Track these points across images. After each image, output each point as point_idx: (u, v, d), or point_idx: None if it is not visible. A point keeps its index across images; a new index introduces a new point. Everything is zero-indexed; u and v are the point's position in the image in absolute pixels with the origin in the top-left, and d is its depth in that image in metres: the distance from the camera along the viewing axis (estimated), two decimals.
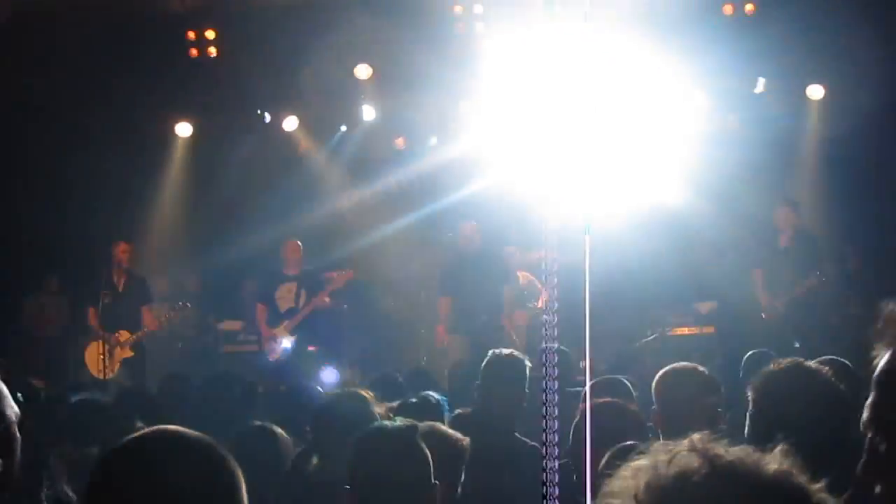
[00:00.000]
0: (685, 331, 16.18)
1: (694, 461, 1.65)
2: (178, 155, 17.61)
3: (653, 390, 5.88)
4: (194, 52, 15.25)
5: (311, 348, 15.91)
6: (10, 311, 16.87)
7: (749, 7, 14.32)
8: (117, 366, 13.89)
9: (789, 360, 4.61)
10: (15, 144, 15.65)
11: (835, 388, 4.30)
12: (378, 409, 5.59)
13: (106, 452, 2.43)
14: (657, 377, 5.85)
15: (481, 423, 6.41)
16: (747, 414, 4.34)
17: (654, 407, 5.74)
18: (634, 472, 1.69)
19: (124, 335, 14.00)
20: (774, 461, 1.67)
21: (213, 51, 15.17)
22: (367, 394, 5.89)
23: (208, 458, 2.28)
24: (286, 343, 14.28)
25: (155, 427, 2.38)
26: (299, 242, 14.85)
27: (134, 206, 17.43)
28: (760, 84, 15.99)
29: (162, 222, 17.48)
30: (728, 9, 14.43)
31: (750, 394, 4.38)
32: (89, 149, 17.63)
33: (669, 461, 1.67)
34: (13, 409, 3.08)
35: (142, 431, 2.39)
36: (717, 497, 1.62)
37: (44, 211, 16.45)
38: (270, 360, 14.20)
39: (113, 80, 16.55)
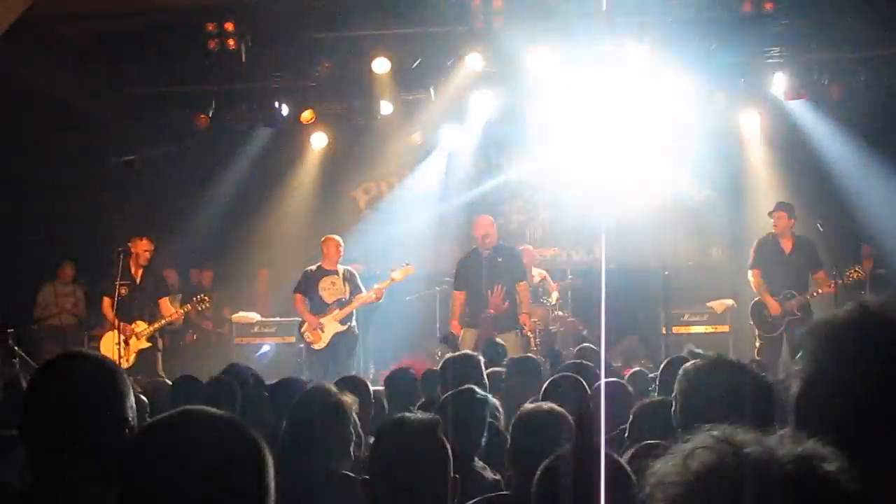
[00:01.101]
0: (700, 329, 16.18)
1: (722, 454, 1.65)
2: (194, 147, 17.61)
3: (676, 383, 5.85)
4: (213, 43, 15.23)
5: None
6: (26, 300, 16.92)
7: (768, 5, 14.26)
8: (133, 356, 13.91)
9: (713, 353, 4.94)
10: (32, 133, 15.68)
11: (758, 379, 4.44)
12: (347, 399, 5.61)
13: (136, 432, 2.44)
14: (681, 370, 5.81)
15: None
16: (674, 407, 4.55)
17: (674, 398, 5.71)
18: (673, 467, 1.68)
19: (140, 325, 14.03)
20: (801, 448, 1.66)
21: (231, 43, 15.14)
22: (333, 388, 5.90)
23: (237, 438, 2.29)
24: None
25: (184, 408, 2.39)
26: (339, 238, 15.00)
27: (149, 199, 17.46)
28: (778, 82, 15.93)
29: (176, 215, 17.48)
30: (747, 6, 14.38)
31: (676, 387, 4.58)
32: (102, 139, 17.71)
33: (696, 454, 1.66)
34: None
35: (170, 413, 2.40)
36: (748, 488, 1.61)
37: (61, 200, 16.50)
38: (314, 347, 14.46)
39: (130, 73, 16.62)
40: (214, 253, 18.03)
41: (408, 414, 4.57)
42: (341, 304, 14.52)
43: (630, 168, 18.69)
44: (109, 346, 13.84)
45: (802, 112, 16.83)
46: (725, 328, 16.19)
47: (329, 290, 14.59)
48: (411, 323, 17.19)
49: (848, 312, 2.12)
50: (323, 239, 15.04)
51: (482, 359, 8.37)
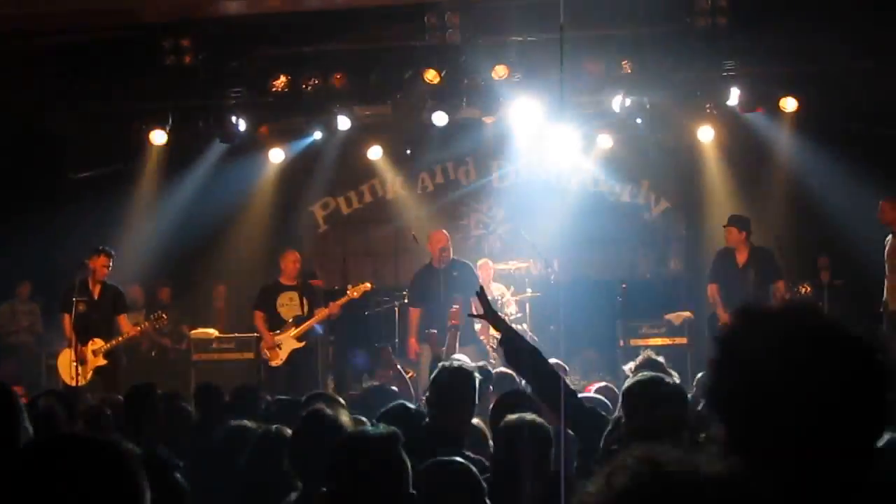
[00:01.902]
0: (657, 342, 16.22)
1: (641, 475, 1.65)
2: (151, 163, 17.54)
3: (619, 400, 5.90)
4: (169, 59, 15.17)
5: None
6: None
7: (721, 20, 14.35)
8: (90, 374, 13.75)
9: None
10: None
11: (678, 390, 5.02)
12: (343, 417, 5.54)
13: (13, 456, 2.44)
14: (624, 387, 5.85)
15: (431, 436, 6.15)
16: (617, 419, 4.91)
17: (619, 415, 5.74)
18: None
19: (98, 343, 13.85)
20: (715, 465, 1.67)
21: (188, 58, 15.08)
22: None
23: (112, 463, 2.29)
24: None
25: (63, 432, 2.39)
26: (297, 253, 15.07)
27: (106, 214, 17.37)
28: (734, 96, 16.02)
29: (134, 231, 17.40)
30: (701, 21, 14.46)
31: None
32: (61, 156, 17.62)
33: (617, 475, 1.67)
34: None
35: (44, 438, 2.39)
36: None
37: (18, 216, 16.40)
38: (271, 365, 14.42)
39: (87, 88, 16.55)
40: (172, 269, 17.97)
41: (368, 428, 4.58)
42: (298, 320, 14.47)
43: (587, 181, 18.81)
44: (66, 363, 13.75)
45: (758, 125, 16.93)
46: (683, 340, 16.23)
47: (287, 306, 14.56)
48: (371, 338, 17.18)
49: (732, 324, 2.19)
50: (282, 254, 15.04)
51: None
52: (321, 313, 14.64)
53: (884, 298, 13.69)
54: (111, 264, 14.17)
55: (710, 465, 1.65)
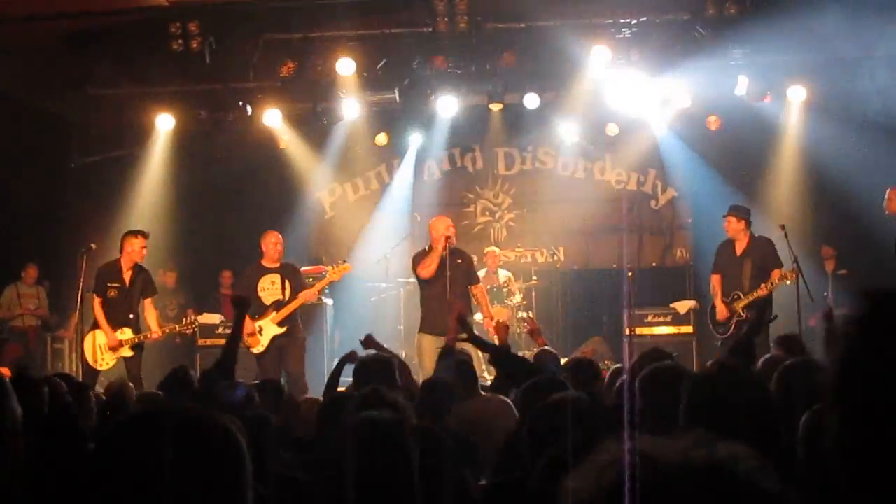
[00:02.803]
0: (663, 330, 16.22)
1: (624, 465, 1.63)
2: (158, 148, 17.54)
3: (636, 387, 5.89)
4: (176, 44, 15.15)
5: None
6: None
7: (731, 9, 14.32)
8: (113, 361, 13.68)
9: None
10: None
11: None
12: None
13: (111, 425, 2.43)
14: (641, 374, 5.84)
15: None
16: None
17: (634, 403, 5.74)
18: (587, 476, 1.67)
19: (126, 332, 13.68)
20: (718, 451, 1.65)
21: (195, 44, 15.06)
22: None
23: (216, 435, 2.29)
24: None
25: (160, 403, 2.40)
26: (279, 233, 14.42)
27: (112, 199, 17.38)
28: (742, 84, 15.99)
29: (141, 215, 17.38)
30: (710, 10, 14.44)
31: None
32: (67, 141, 17.63)
33: (609, 469, 1.65)
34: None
35: (145, 409, 2.39)
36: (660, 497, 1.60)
37: (24, 201, 16.42)
38: (252, 352, 13.77)
39: (93, 73, 16.55)
40: (178, 254, 17.97)
41: (374, 413, 4.57)
42: (278, 305, 13.89)
43: (593, 169, 18.81)
44: (91, 345, 13.72)
45: (766, 114, 16.90)
46: (689, 329, 16.23)
47: (268, 290, 13.99)
48: (376, 323, 17.18)
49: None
50: (263, 235, 14.39)
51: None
52: (301, 298, 13.93)
53: None
54: (146, 246, 13.98)
55: (702, 449, 1.63)
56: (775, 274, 13.77)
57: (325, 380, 9.46)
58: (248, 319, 13.49)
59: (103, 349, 13.60)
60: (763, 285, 13.72)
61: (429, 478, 4.30)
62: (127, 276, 13.86)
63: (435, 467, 4.46)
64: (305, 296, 13.98)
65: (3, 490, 2.93)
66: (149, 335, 13.88)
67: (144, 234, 14.02)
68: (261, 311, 13.86)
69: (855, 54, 15.62)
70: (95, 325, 13.78)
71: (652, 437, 1.67)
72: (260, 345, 13.83)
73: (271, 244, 14.15)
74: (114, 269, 13.86)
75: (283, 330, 13.85)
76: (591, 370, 8.20)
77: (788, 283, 13.85)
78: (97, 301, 13.75)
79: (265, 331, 13.82)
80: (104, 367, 13.63)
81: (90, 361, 13.61)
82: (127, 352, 13.70)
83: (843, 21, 14.56)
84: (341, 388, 8.87)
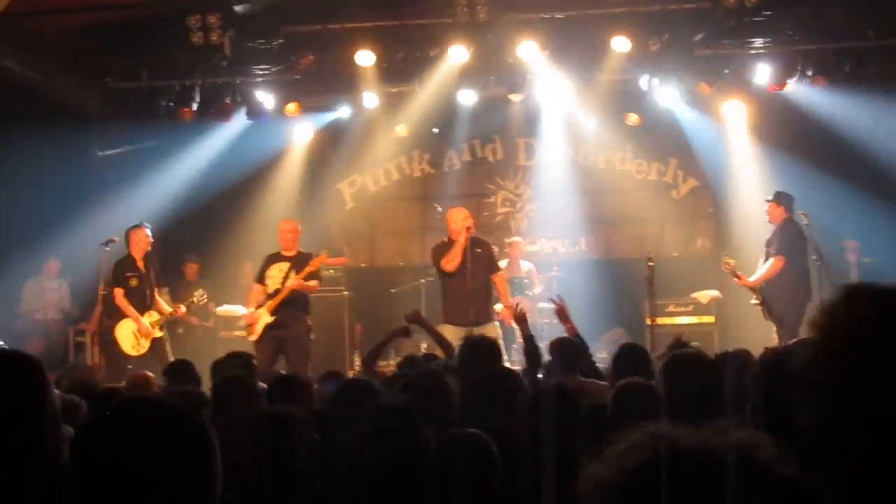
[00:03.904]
0: (684, 321, 16.21)
1: (656, 450, 1.63)
2: (178, 141, 17.57)
3: (659, 375, 5.89)
4: (196, 37, 15.16)
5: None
6: (10, 295, 16.92)
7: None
8: (150, 344, 14.10)
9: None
10: (15, 128, 15.63)
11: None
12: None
13: (85, 422, 2.46)
14: (664, 362, 5.83)
15: None
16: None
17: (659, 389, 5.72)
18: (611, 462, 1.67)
19: (153, 315, 14.22)
20: (736, 440, 1.65)
21: (215, 36, 15.07)
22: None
23: (183, 427, 2.30)
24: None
25: (132, 395, 2.41)
26: (295, 222, 14.47)
27: (133, 192, 17.41)
28: (762, 73, 15.94)
29: (161, 209, 17.41)
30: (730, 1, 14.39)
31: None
32: (88, 134, 17.66)
33: (631, 453, 1.65)
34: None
35: (115, 404, 2.41)
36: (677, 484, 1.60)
37: (46, 194, 16.47)
38: (250, 340, 13.74)
39: (114, 66, 16.59)
40: (199, 246, 18.01)
41: (390, 401, 4.59)
42: (274, 294, 13.78)
43: (614, 159, 18.78)
44: (125, 334, 14.14)
45: (787, 102, 16.82)
46: (711, 319, 16.22)
47: (273, 278, 13.91)
48: (397, 316, 17.18)
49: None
50: (279, 223, 14.62)
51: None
52: (289, 287, 13.73)
53: None
54: (151, 238, 14.44)
55: (722, 436, 1.63)
56: (775, 262, 13.82)
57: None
58: (249, 309, 13.99)
59: (137, 335, 14.07)
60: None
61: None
62: (141, 265, 14.30)
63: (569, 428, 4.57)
64: (292, 285, 13.77)
65: (37, 481, 2.95)
66: (174, 312, 14.60)
67: (145, 225, 14.53)
68: (262, 300, 13.92)
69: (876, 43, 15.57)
70: (120, 316, 14.17)
71: (672, 424, 1.67)
72: (255, 333, 13.81)
73: (283, 232, 14.23)
74: (128, 261, 14.28)
75: (272, 319, 13.72)
76: (574, 349, 8.24)
77: (726, 270, 14.09)
78: (120, 292, 14.14)
79: (261, 319, 13.77)
80: (141, 353, 14.07)
81: (127, 349, 14.00)
82: (158, 332, 14.21)
83: (861, 10, 14.54)
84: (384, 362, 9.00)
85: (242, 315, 14.63)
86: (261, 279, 14.05)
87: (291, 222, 14.41)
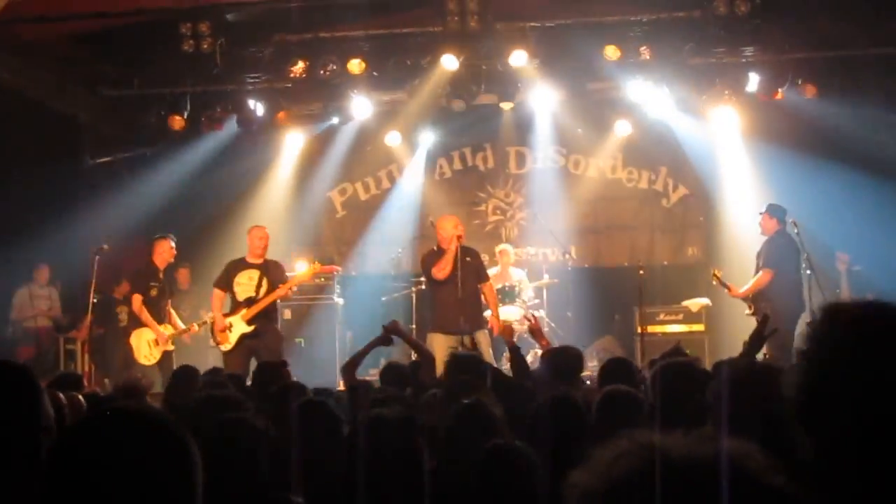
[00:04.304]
0: (675, 329, 16.23)
1: (644, 459, 1.63)
2: (169, 148, 17.56)
3: (648, 383, 5.91)
4: (187, 45, 15.16)
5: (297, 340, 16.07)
6: (1, 303, 16.89)
7: (741, 7, 14.28)
8: (160, 355, 14.12)
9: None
10: (6, 134, 15.62)
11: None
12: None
13: (65, 430, 2.46)
14: (653, 370, 5.86)
15: None
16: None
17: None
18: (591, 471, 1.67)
19: (168, 328, 14.28)
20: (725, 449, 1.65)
21: (206, 44, 15.06)
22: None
23: (164, 437, 2.30)
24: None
25: (116, 404, 2.42)
26: (264, 228, 14.09)
27: (124, 200, 17.40)
28: (753, 82, 15.97)
29: (152, 216, 17.39)
30: (721, 7, 14.40)
31: None
32: (79, 141, 17.65)
33: (619, 461, 1.65)
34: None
35: (96, 412, 2.41)
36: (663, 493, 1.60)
37: (37, 201, 16.45)
38: (220, 349, 13.49)
39: (105, 74, 16.59)
40: (191, 254, 17.98)
41: (385, 410, 4.60)
42: (250, 302, 13.51)
43: (605, 167, 18.82)
44: (140, 343, 14.17)
45: (778, 111, 16.86)
46: (701, 327, 16.25)
47: (244, 286, 13.61)
48: (387, 322, 17.20)
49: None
50: (249, 230, 14.19)
51: None
52: (272, 295, 13.57)
53: None
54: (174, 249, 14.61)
55: (710, 445, 1.64)
56: (761, 276, 13.86)
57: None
58: (218, 315, 13.57)
59: (152, 345, 14.10)
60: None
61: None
62: (162, 276, 14.44)
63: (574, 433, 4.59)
64: (277, 293, 13.64)
65: (31, 488, 2.96)
66: (188, 330, 14.74)
67: (171, 237, 14.64)
68: (233, 307, 13.61)
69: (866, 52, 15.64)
70: (137, 324, 14.20)
71: (661, 433, 1.68)
72: (228, 342, 13.48)
73: (256, 238, 13.83)
74: (152, 270, 14.36)
75: (251, 329, 13.46)
76: (574, 362, 8.21)
77: (714, 283, 14.14)
78: (139, 299, 14.17)
79: (234, 328, 13.46)
80: (152, 363, 14.10)
81: (138, 357, 14.07)
82: (170, 346, 14.23)
83: (852, 19, 14.58)
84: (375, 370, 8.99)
85: (211, 319, 14.24)
86: (227, 286, 13.73)
87: (264, 229, 14.08)
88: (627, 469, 1.63)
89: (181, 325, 14.59)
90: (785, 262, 13.89)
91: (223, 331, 13.43)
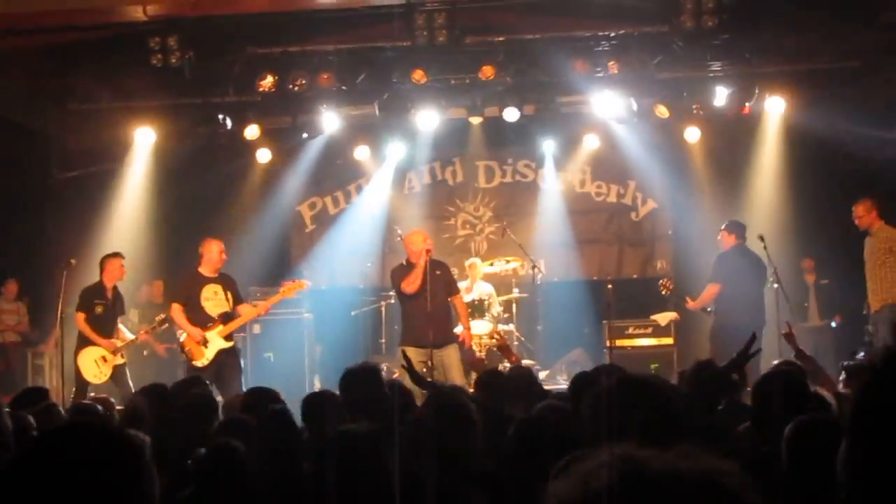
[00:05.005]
0: (644, 342, 16.26)
1: (623, 471, 1.63)
2: (138, 162, 17.50)
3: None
4: (156, 59, 15.11)
5: (266, 355, 16.02)
6: None
7: (708, 21, 14.34)
8: (110, 371, 13.87)
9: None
10: None
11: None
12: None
13: (23, 444, 2.46)
14: (618, 385, 5.86)
15: None
16: None
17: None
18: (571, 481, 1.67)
19: (115, 343, 14.05)
20: (702, 464, 1.66)
21: (174, 58, 15.02)
22: None
23: (119, 453, 2.30)
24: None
25: (76, 420, 2.42)
26: (221, 243, 13.76)
27: (93, 214, 17.34)
28: (720, 96, 16.04)
29: (121, 230, 17.35)
30: (688, 22, 14.45)
31: None
32: (47, 156, 17.59)
33: (597, 473, 1.65)
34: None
35: (60, 425, 2.41)
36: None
37: (4, 215, 16.38)
38: (194, 364, 13.07)
39: (73, 88, 16.53)
40: (161, 269, 17.95)
41: (353, 426, 4.60)
42: (226, 318, 13.31)
43: (573, 181, 18.87)
44: (88, 362, 13.89)
45: (745, 125, 16.97)
46: (670, 340, 16.27)
47: (213, 300, 13.36)
48: (357, 338, 17.22)
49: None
50: (204, 241, 13.77)
51: None
52: (250, 313, 13.63)
53: (867, 300, 13.73)
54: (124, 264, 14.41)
55: (690, 461, 1.64)
56: (707, 290, 14.08)
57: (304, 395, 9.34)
58: (194, 329, 13.20)
59: (100, 363, 13.84)
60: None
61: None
62: (110, 294, 14.20)
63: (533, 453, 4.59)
64: (256, 310, 13.68)
65: None
66: (138, 337, 14.65)
67: (121, 255, 14.43)
68: (207, 322, 13.27)
69: (832, 65, 15.75)
70: (84, 343, 13.94)
71: (639, 447, 1.68)
72: (205, 357, 13.19)
73: (216, 252, 13.56)
74: (98, 288, 14.15)
75: (229, 345, 13.33)
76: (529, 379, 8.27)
77: (664, 292, 14.32)
78: (82, 317, 13.95)
79: (211, 343, 13.21)
80: (101, 381, 13.81)
81: (87, 376, 13.75)
82: (120, 359, 14.01)
83: (819, 33, 14.68)
84: None
85: (160, 322, 14.42)
86: (185, 300, 13.41)
87: (220, 242, 13.79)
88: (606, 481, 1.63)
89: (130, 337, 14.44)
90: (734, 275, 14.00)
91: (199, 345, 13.16)
